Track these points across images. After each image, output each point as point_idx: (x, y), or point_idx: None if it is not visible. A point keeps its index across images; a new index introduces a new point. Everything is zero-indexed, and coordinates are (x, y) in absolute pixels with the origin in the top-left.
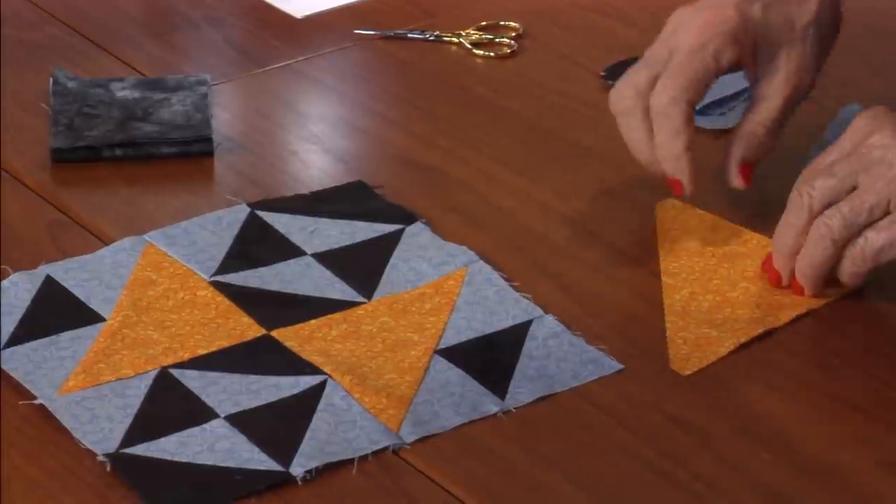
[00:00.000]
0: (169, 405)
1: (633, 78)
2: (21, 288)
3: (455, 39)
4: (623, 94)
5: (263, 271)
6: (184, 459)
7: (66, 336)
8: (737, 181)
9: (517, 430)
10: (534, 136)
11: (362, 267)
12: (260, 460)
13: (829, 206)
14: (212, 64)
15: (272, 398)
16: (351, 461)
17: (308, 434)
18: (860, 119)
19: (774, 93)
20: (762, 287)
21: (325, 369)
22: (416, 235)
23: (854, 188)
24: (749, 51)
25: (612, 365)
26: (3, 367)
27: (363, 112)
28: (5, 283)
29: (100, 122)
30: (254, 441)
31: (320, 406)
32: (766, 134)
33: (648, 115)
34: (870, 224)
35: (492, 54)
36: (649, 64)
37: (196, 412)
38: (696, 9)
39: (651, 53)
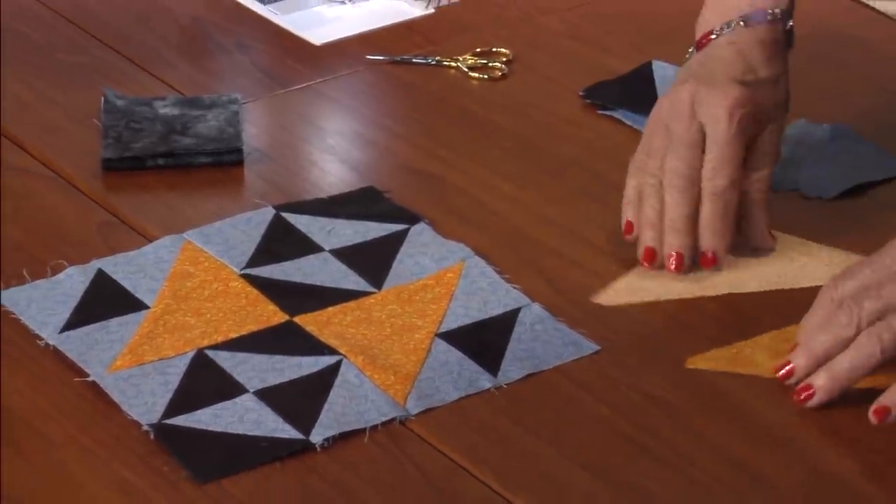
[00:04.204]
0: (204, 382)
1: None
2: (76, 280)
3: (453, 64)
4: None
5: (287, 265)
6: (217, 429)
7: (114, 322)
8: (770, 242)
9: (508, 404)
10: (522, 149)
11: (373, 261)
12: (283, 430)
13: (874, 321)
14: (242, 85)
15: (294, 376)
16: (363, 430)
17: (326, 407)
18: None
19: (765, 164)
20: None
21: (341, 350)
22: (420, 234)
23: None
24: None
25: (591, 346)
26: (61, 348)
27: (373, 127)
28: (62, 275)
29: (144, 136)
30: (278, 413)
31: (336, 382)
32: (766, 198)
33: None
34: None
35: (485, 77)
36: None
37: (228, 388)
38: (709, 86)
39: (678, 128)
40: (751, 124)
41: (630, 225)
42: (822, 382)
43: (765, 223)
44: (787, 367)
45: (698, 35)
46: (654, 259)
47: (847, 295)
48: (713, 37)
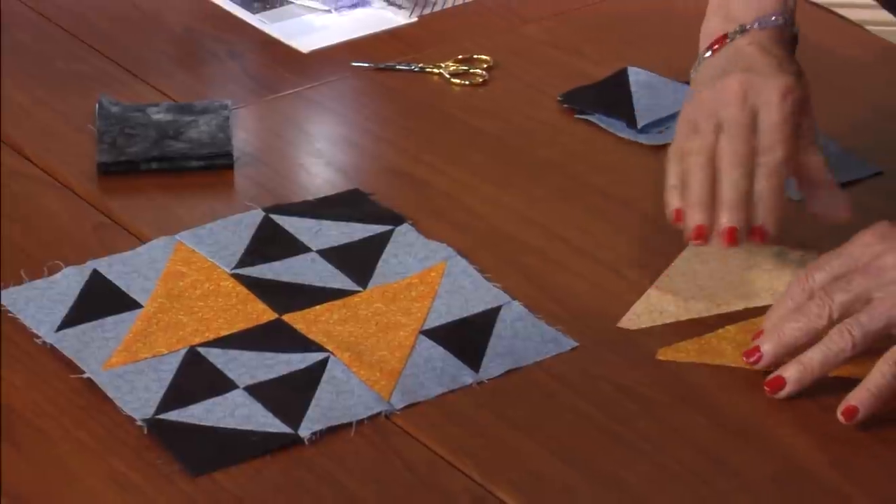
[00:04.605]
0: (196, 378)
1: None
2: (72, 280)
3: (436, 70)
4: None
5: (276, 265)
6: (209, 423)
7: (109, 320)
8: (846, 213)
9: (489, 399)
10: (503, 152)
11: (359, 261)
12: (273, 424)
13: (845, 315)
14: (232, 91)
15: (283, 372)
16: (350, 424)
17: (313, 402)
18: (869, 234)
19: (815, 150)
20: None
21: (328, 347)
22: (404, 234)
23: (868, 301)
24: None
25: (569, 343)
26: (58, 346)
27: (359, 131)
28: (58, 275)
29: (138, 141)
30: (268, 408)
31: (324, 378)
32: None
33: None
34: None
35: (467, 83)
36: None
37: (219, 384)
38: (759, 75)
39: (731, 112)
40: (798, 110)
41: (679, 213)
42: (792, 374)
43: (843, 197)
44: (757, 354)
45: (708, 40)
46: (705, 236)
47: (818, 286)
48: (728, 40)
